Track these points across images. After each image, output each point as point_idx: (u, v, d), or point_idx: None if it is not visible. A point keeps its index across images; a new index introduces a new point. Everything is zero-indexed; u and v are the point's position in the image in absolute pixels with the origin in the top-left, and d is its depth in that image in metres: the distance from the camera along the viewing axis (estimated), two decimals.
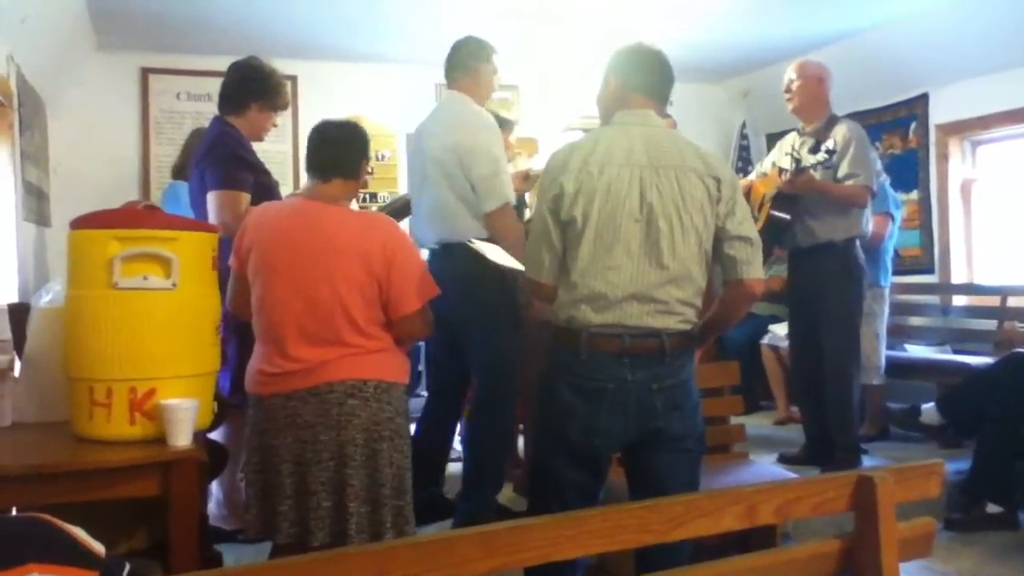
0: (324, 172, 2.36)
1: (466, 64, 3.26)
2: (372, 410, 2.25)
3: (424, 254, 3.59)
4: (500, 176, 3.08)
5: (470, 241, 2.98)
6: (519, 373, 3.30)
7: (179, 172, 4.13)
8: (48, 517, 1.09)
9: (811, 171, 3.71)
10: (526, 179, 3.77)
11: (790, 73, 3.94)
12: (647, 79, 2.18)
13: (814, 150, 3.70)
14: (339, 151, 2.38)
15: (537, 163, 3.93)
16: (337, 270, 2.23)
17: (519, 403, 3.71)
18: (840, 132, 3.76)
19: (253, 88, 3.10)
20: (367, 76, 5.60)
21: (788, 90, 3.93)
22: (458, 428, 3.68)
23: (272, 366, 2.29)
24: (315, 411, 2.23)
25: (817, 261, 3.83)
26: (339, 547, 2.17)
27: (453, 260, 3.11)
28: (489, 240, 3.08)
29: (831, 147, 3.65)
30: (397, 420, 2.30)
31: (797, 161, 3.74)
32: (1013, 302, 4.75)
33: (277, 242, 2.29)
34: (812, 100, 3.88)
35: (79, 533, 1.09)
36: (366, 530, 2.23)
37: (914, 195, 5.39)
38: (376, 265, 2.24)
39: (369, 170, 2.49)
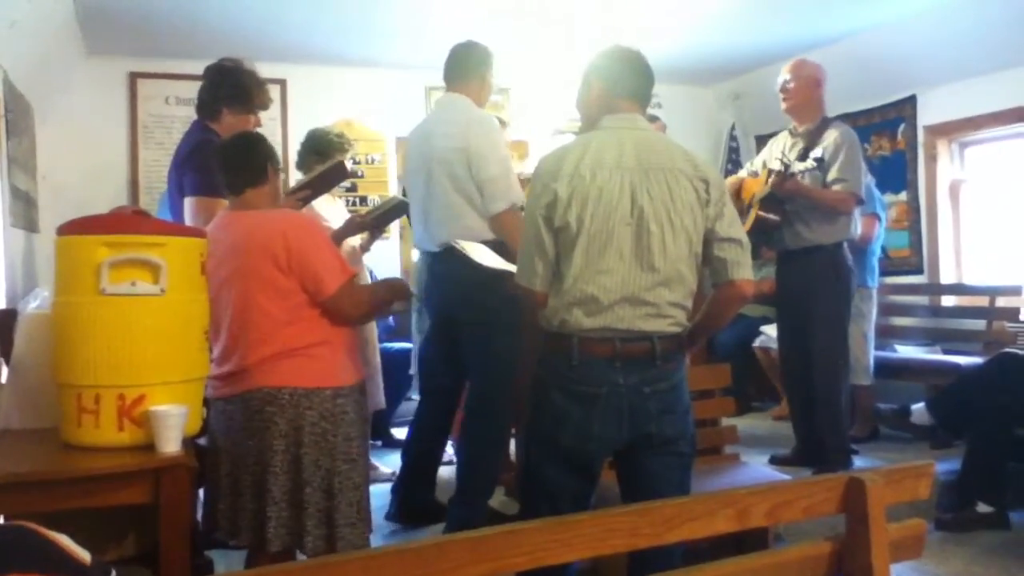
0: (239, 185, 2.46)
1: (475, 70, 3.27)
2: (289, 417, 2.30)
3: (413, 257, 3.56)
4: (509, 178, 3.08)
5: (455, 242, 2.96)
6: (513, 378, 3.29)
7: None
8: (32, 525, 1.08)
9: (799, 176, 3.71)
10: None
11: (785, 73, 3.92)
12: (632, 83, 2.18)
13: (802, 157, 3.70)
14: (249, 160, 2.48)
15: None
16: (244, 272, 2.31)
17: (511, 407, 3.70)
18: (832, 136, 3.76)
19: (223, 93, 3.06)
20: (357, 80, 5.59)
21: (783, 90, 3.92)
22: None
23: (214, 371, 2.38)
24: (243, 416, 2.32)
25: (805, 263, 3.83)
26: (260, 548, 2.29)
27: (455, 262, 3.06)
28: (496, 242, 3.08)
29: (819, 155, 3.64)
30: (322, 424, 2.33)
31: (786, 166, 3.74)
32: (1002, 302, 4.76)
33: (208, 256, 2.32)
34: (806, 102, 3.88)
35: (64, 541, 1.08)
36: (285, 534, 2.29)
37: (903, 196, 5.41)
38: (282, 259, 2.30)
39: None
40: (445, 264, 3.14)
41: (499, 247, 3.08)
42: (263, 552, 2.29)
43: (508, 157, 3.14)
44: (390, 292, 2.63)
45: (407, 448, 3.42)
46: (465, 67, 3.28)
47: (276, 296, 2.31)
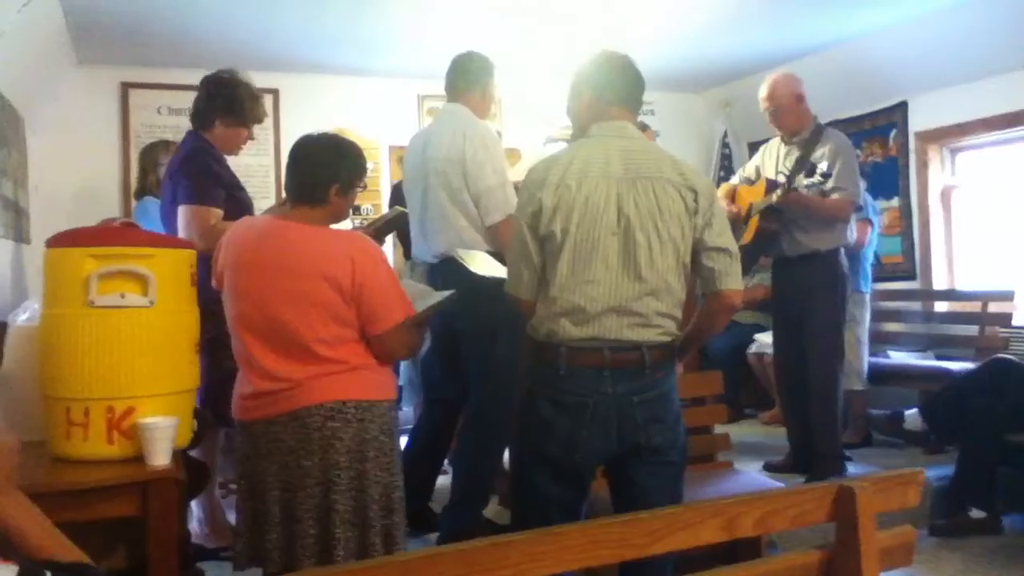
0: (291, 196, 2.29)
1: (475, 80, 3.26)
2: (355, 430, 2.17)
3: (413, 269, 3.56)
4: (505, 189, 3.07)
5: (454, 252, 2.96)
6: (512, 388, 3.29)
7: (141, 191, 4.17)
8: None
9: (804, 188, 3.71)
10: None
11: (764, 100, 3.88)
12: (622, 90, 2.18)
13: (810, 173, 3.68)
14: (306, 176, 2.26)
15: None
16: (300, 290, 2.15)
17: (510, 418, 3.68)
18: (828, 145, 3.75)
19: (216, 105, 3.06)
20: (349, 89, 5.59)
21: (769, 114, 3.89)
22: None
23: (251, 389, 2.22)
24: (296, 436, 2.16)
25: (802, 270, 3.84)
26: None
27: (453, 273, 3.03)
28: (493, 253, 3.07)
29: (825, 170, 3.63)
30: (381, 438, 2.23)
31: (789, 180, 3.74)
32: (994, 308, 4.76)
33: (242, 262, 2.21)
34: (795, 119, 3.86)
35: None
36: (354, 555, 2.16)
37: (895, 202, 5.43)
38: (345, 283, 2.15)
39: (363, 185, 2.42)
40: (443, 275, 3.11)
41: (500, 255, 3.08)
42: None
43: (504, 168, 3.13)
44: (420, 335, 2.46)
45: (405, 456, 3.39)
46: (465, 78, 3.27)
47: (332, 321, 2.17)
